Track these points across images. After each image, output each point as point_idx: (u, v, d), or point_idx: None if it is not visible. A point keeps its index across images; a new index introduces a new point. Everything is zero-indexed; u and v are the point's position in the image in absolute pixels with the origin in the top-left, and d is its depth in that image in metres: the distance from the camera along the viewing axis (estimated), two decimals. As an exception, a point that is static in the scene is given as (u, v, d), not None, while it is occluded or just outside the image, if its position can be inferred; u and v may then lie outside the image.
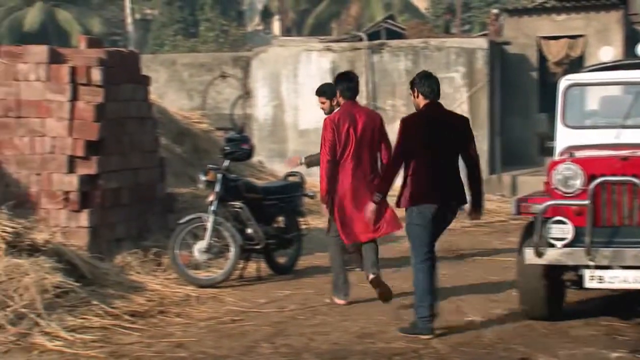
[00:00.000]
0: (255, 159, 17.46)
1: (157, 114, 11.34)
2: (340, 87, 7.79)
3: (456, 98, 16.02)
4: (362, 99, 16.40)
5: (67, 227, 8.54)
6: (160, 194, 10.07)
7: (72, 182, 8.63)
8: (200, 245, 8.43)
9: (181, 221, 8.59)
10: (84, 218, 8.60)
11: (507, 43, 17.28)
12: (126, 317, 6.89)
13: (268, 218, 8.91)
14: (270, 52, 17.70)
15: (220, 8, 39.29)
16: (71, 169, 8.70)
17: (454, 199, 6.73)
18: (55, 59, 8.93)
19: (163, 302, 7.59)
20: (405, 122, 6.81)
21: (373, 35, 17.90)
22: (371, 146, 7.55)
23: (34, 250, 7.39)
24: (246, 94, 19.84)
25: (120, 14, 44.89)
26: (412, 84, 6.87)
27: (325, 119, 7.72)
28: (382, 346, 6.28)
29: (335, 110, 7.83)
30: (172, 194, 10.50)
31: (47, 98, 8.80)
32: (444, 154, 6.68)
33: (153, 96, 11.22)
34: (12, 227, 7.40)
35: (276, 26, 43.06)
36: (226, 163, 8.71)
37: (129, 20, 43.34)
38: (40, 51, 8.95)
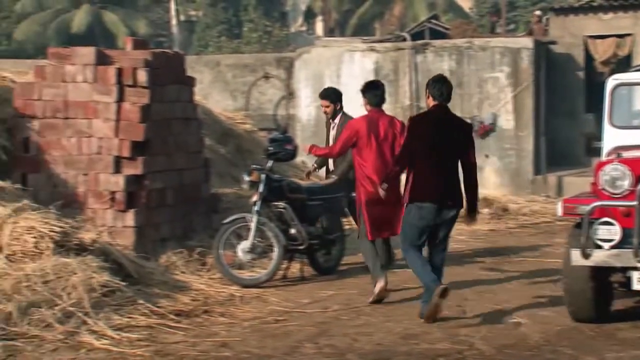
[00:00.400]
0: (298, 159, 17.53)
1: (202, 115, 11.41)
2: (368, 95, 8.13)
3: (500, 98, 15.89)
4: (405, 99, 16.38)
5: (113, 226, 8.63)
6: (205, 194, 10.14)
7: (118, 182, 8.73)
8: (244, 245, 8.47)
9: (225, 221, 8.64)
10: (129, 218, 8.68)
11: (552, 42, 17.09)
12: (171, 316, 6.94)
13: (311, 218, 8.92)
14: (313, 53, 17.72)
15: (263, 9, 39.45)
16: (117, 170, 8.80)
17: (450, 199, 6.94)
18: (102, 60, 9.04)
19: (207, 301, 7.63)
20: (413, 121, 7.22)
21: (417, 36, 17.82)
22: (392, 149, 7.80)
23: (81, 249, 7.49)
24: (289, 95, 19.90)
25: (165, 16, 45.33)
26: (427, 86, 7.22)
27: (348, 121, 8.27)
28: (426, 347, 6.25)
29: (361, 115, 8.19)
30: (216, 194, 10.57)
31: (94, 99, 8.91)
32: (446, 156, 6.95)
33: (197, 97, 11.30)
34: (60, 227, 7.50)
35: (319, 27, 43.08)
36: (270, 163, 8.74)
37: (174, 21, 43.74)
38: (87, 53, 9.06)
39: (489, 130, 15.85)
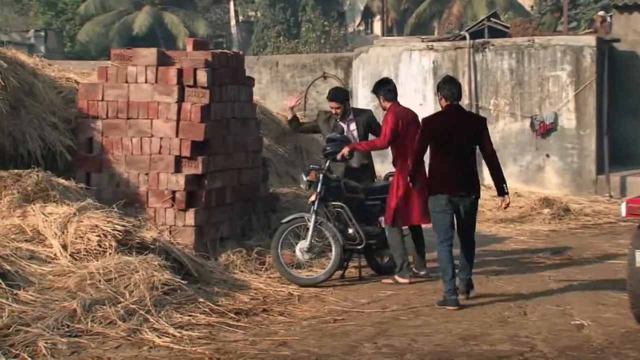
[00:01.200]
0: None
1: (260, 115, 11.48)
2: (382, 92, 8.84)
3: (562, 97, 15.65)
4: (464, 99, 16.22)
5: (173, 225, 8.73)
6: (263, 194, 10.20)
7: (178, 181, 8.82)
8: (302, 244, 8.49)
9: (284, 221, 8.68)
10: (190, 217, 8.77)
11: (616, 40, 16.76)
12: (231, 314, 6.99)
13: (369, 218, 8.90)
14: (371, 52, 17.68)
15: (321, 9, 39.52)
16: (178, 169, 8.90)
17: (463, 189, 7.61)
18: (163, 61, 9.15)
19: (266, 300, 7.67)
20: (425, 121, 7.90)
21: (476, 34, 17.64)
22: (414, 139, 8.22)
23: (142, 248, 7.59)
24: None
25: (224, 17, 45.72)
26: (437, 89, 7.90)
27: (387, 115, 8.68)
28: (486, 349, 6.19)
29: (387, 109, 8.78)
30: (275, 194, 10.62)
31: (155, 100, 9.02)
32: (458, 151, 7.61)
33: (256, 97, 11.38)
34: (123, 226, 7.61)
35: (377, 26, 42.99)
36: (327, 163, 8.75)
37: (233, 22, 44.08)
38: (149, 54, 9.18)
39: (549, 129, 15.63)
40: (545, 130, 15.62)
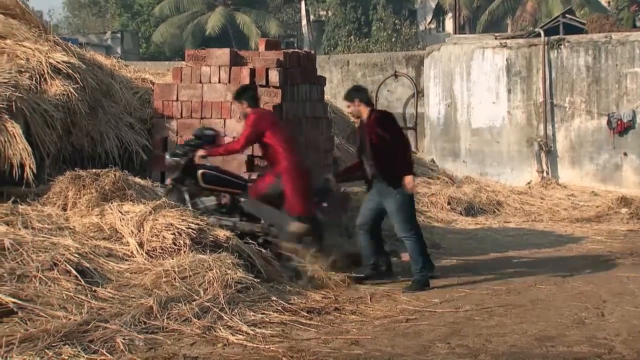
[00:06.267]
0: (427, 157, 17.44)
1: (331, 114, 11.50)
2: (245, 98, 8.30)
3: (640, 94, 15.29)
4: (538, 96, 15.98)
5: (247, 224, 8.78)
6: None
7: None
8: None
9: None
10: (262, 215, 8.81)
11: (698, 34, 16.29)
12: (303, 313, 7.01)
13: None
14: (442, 51, 17.54)
15: (392, 7, 39.39)
16: (250, 168, 8.97)
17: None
18: (236, 61, 9.24)
19: (338, 299, 7.67)
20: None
21: (550, 31, 17.34)
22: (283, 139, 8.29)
23: (216, 246, 7.67)
24: (418, 93, 19.79)
25: (295, 16, 45.95)
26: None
27: (247, 120, 8.27)
28: (562, 350, 6.08)
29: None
30: (346, 193, 10.61)
31: (228, 99, 9.12)
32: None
33: (327, 96, 11.40)
34: (197, 224, 7.70)
35: (449, 24, 42.63)
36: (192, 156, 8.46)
37: (304, 21, 44.26)
38: (222, 54, 9.29)
39: (627, 127, 15.27)
40: (622, 128, 15.27)
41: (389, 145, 8.18)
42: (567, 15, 19.14)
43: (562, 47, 16.03)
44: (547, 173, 15.94)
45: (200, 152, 8.35)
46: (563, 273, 8.84)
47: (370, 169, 8.27)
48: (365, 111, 8.34)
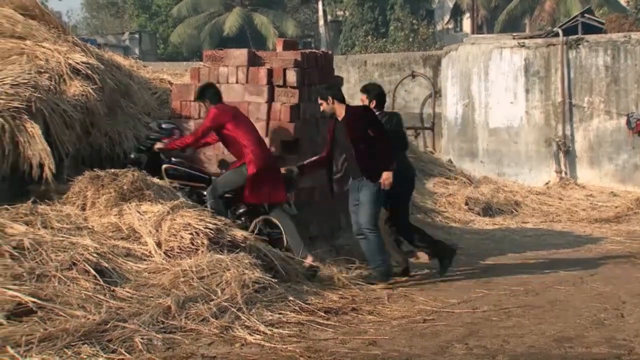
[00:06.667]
0: (445, 157, 17.40)
1: (350, 114, 11.46)
2: (207, 96, 8.47)
3: (659, 93, 15.20)
4: (557, 96, 15.91)
5: (264, 224, 8.80)
6: (353, 193, 10.19)
7: (269, 181, 8.88)
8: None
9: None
10: (280, 216, 8.82)
11: None
12: (320, 313, 7.00)
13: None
14: (460, 50, 17.50)
15: (410, 7, 39.32)
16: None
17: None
18: (254, 61, 9.26)
19: (355, 299, 7.67)
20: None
21: (569, 31, 17.27)
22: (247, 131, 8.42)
23: (233, 246, 7.68)
24: (436, 93, 19.75)
25: (312, 16, 45.98)
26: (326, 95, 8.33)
27: (208, 113, 8.42)
28: (581, 351, 6.04)
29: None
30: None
31: (245, 100, 9.14)
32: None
33: (345, 96, 11.37)
34: (214, 224, 7.72)
35: (467, 24, 42.54)
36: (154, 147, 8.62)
37: (321, 22, 44.28)
38: (240, 54, 9.31)
39: (646, 127, 15.20)
40: (641, 128, 15.21)
41: (368, 141, 8.16)
42: (585, 14, 19.05)
43: (580, 46, 15.96)
44: (566, 173, 15.87)
45: (158, 145, 8.47)
46: (582, 274, 8.80)
47: (342, 167, 8.30)
48: (340, 109, 8.31)
